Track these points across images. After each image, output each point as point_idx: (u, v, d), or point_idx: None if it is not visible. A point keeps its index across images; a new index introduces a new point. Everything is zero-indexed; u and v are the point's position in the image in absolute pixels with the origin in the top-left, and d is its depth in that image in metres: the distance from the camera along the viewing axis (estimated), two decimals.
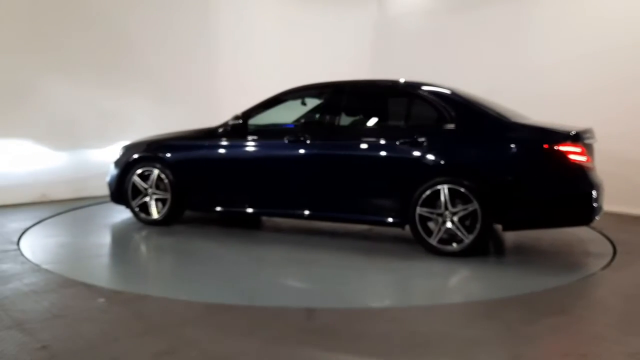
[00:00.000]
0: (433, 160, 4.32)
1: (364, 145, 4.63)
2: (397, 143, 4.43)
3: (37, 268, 3.87)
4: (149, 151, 5.40)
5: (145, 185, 5.32)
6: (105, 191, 5.70)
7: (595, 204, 4.08)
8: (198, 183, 5.25)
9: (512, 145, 4.23)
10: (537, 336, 2.80)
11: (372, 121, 5.04)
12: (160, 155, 5.31)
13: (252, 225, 5.58)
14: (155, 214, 5.32)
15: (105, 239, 4.95)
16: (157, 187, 5.28)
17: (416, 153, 4.37)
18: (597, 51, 6.77)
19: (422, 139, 4.36)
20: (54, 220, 5.64)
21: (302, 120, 5.24)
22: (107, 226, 5.52)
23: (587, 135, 4.26)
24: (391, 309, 3.21)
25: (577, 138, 4.09)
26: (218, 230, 5.43)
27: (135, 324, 2.84)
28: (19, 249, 4.41)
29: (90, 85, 7.02)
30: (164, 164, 5.26)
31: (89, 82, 6.98)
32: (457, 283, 3.86)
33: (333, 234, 5.03)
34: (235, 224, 5.62)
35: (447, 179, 4.22)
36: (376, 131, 4.82)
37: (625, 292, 3.58)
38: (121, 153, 5.58)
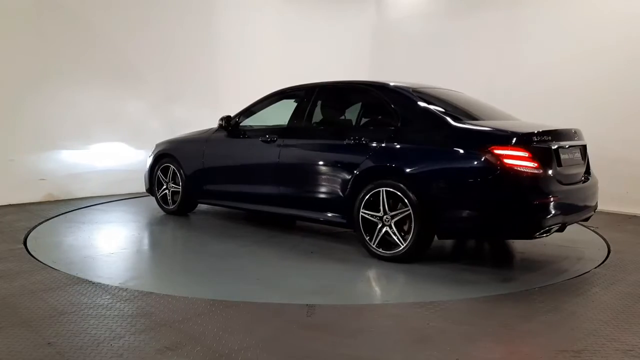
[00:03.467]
0: (374, 162, 4.23)
1: (317, 145, 4.74)
2: (345, 144, 4.42)
3: (42, 266, 3.93)
4: (167, 149, 6.04)
5: (166, 179, 5.99)
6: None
7: (540, 215, 3.70)
8: (196, 178, 5.71)
9: (446, 148, 3.97)
10: (532, 333, 2.85)
11: (331, 121, 5.05)
12: (174, 152, 5.93)
13: (264, 221, 5.69)
14: (170, 205, 5.99)
15: (110, 237, 5.00)
16: (174, 181, 5.93)
17: (360, 154, 4.31)
18: (594, 51, 6.82)
19: (366, 140, 4.30)
20: (59, 219, 5.70)
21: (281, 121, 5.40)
22: (112, 225, 5.57)
23: (543, 137, 3.86)
24: (389, 305, 3.26)
25: (520, 141, 3.73)
26: (227, 224, 5.68)
27: (140, 321, 2.89)
28: (25, 247, 4.47)
29: (97, 89, 7.14)
30: (176, 160, 5.86)
31: (95, 86, 7.11)
32: (454, 282, 3.89)
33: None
34: (248, 219, 5.84)
35: (386, 182, 4.10)
36: (332, 131, 4.83)
37: (619, 289, 3.62)
38: (154, 150, 6.22)
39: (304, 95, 5.05)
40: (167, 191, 6.01)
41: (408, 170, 4.02)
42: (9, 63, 6.34)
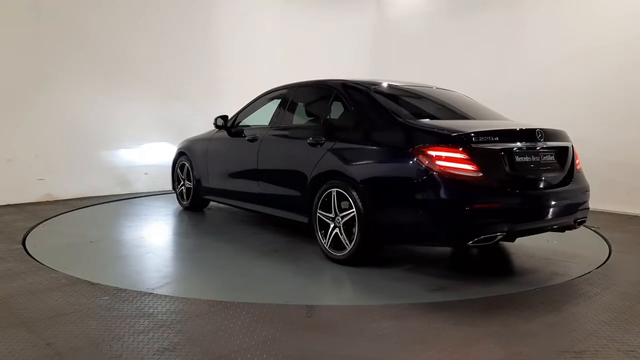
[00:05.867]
0: (326, 162, 4.17)
1: (287, 145, 4.77)
2: (307, 143, 4.39)
3: (41, 266, 3.93)
4: (183, 147, 6.44)
5: (183, 176, 6.38)
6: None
7: (474, 223, 3.41)
8: (201, 175, 6.01)
9: (385, 147, 3.85)
10: (533, 334, 2.84)
11: (301, 121, 5.05)
12: (187, 151, 6.32)
13: (264, 218, 5.71)
14: (185, 200, 6.39)
15: (109, 237, 4.99)
16: (188, 178, 6.31)
17: (318, 154, 4.26)
18: (597, 51, 6.83)
19: (324, 140, 4.25)
20: (58, 219, 5.71)
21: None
22: (110, 225, 5.58)
23: (488, 138, 3.55)
24: (390, 306, 3.24)
25: (457, 141, 3.47)
26: (227, 220, 5.88)
27: (139, 322, 2.88)
28: (23, 247, 4.47)
29: (97, 91, 7.18)
30: (189, 159, 6.24)
31: (94, 88, 7.16)
32: (452, 282, 3.88)
33: None
34: (252, 216, 5.96)
35: (336, 182, 4.04)
36: (300, 131, 4.78)
37: (621, 290, 3.61)
38: (177, 148, 6.64)
39: (284, 95, 5.13)
40: (183, 187, 6.38)
41: (352, 170, 3.94)
42: (8, 65, 6.36)
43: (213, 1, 8.39)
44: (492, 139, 3.56)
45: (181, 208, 6.50)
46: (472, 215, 3.40)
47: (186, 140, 6.50)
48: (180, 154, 6.48)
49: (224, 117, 5.63)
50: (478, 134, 3.54)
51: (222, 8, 8.46)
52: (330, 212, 4.11)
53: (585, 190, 4.07)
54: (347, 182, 3.95)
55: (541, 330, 2.89)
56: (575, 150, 4.16)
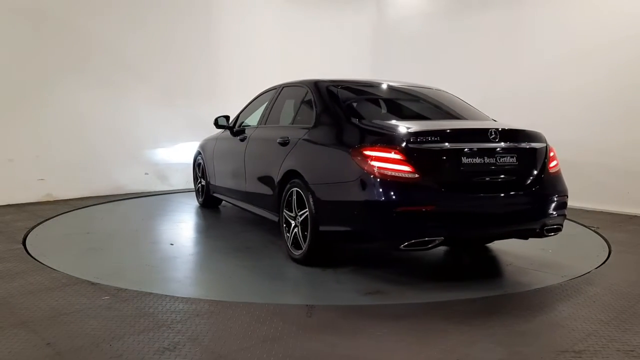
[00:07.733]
0: (289, 161, 4.18)
1: (266, 144, 4.78)
2: (277, 142, 4.41)
3: (41, 266, 3.93)
4: (200, 146, 6.67)
5: (199, 174, 6.63)
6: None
7: (406, 226, 3.29)
8: (210, 173, 6.21)
9: (331, 147, 3.86)
10: (533, 333, 2.84)
11: (279, 121, 5.05)
12: (202, 149, 6.54)
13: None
14: (201, 197, 6.63)
15: (110, 237, 4.99)
16: (203, 176, 6.51)
17: (283, 153, 4.28)
18: (597, 51, 6.83)
19: (289, 139, 4.26)
20: (58, 219, 5.70)
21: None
22: (110, 225, 5.57)
23: (429, 138, 3.38)
24: (389, 306, 3.25)
25: (394, 141, 3.37)
26: (230, 217, 6.02)
27: (139, 321, 2.88)
28: (24, 247, 4.47)
29: (94, 92, 7.17)
30: (203, 157, 6.46)
31: (92, 89, 7.14)
32: (453, 281, 3.89)
33: None
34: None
35: (298, 182, 4.02)
36: (273, 130, 4.77)
37: (621, 290, 3.62)
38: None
39: (271, 95, 5.22)
40: (199, 185, 6.65)
41: (305, 170, 3.96)
42: (9, 65, 6.36)
43: (214, 4, 8.39)
44: (434, 139, 3.40)
45: (198, 205, 6.74)
46: (403, 217, 3.28)
47: (204, 140, 6.66)
48: (198, 152, 6.69)
49: (227, 117, 5.76)
50: (417, 134, 3.39)
51: (223, 11, 8.47)
52: (292, 212, 4.13)
53: (559, 195, 3.74)
54: (304, 181, 3.93)
55: (541, 329, 2.89)
56: (553, 152, 3.91)
